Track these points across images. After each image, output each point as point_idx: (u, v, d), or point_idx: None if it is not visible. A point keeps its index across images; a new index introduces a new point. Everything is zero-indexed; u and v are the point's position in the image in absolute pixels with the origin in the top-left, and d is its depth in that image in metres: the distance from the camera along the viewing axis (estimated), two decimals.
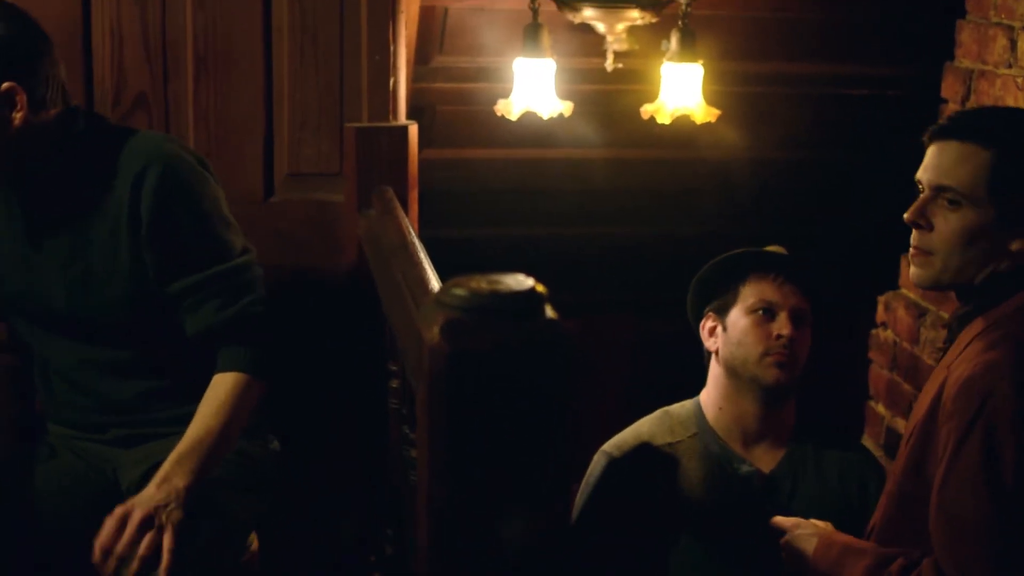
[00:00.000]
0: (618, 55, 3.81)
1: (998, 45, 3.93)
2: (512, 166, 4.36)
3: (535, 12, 3.75)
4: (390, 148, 3.60)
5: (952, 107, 4.23)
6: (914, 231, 2.64)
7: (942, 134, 2.63)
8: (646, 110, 3.78)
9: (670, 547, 3.23)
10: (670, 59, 3.74)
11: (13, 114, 2.82)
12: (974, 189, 2.56)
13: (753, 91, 4.32)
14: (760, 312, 3.23)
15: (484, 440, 1.64)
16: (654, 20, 3.75)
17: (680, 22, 3.72)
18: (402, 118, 3.74)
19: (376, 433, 3.37)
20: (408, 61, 3.87)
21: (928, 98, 4.32)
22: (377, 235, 3.22)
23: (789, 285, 3.25)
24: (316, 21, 3.65)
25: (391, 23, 3.66)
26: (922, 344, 4.33)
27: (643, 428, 3.35)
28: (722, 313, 3.30)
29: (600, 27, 3.75)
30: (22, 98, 2.81)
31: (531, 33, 3.74)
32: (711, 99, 3.79)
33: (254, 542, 3.24)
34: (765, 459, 3.30)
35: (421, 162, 3.79)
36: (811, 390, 3.38)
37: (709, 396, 3.35)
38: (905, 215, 2.63)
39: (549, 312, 1.65)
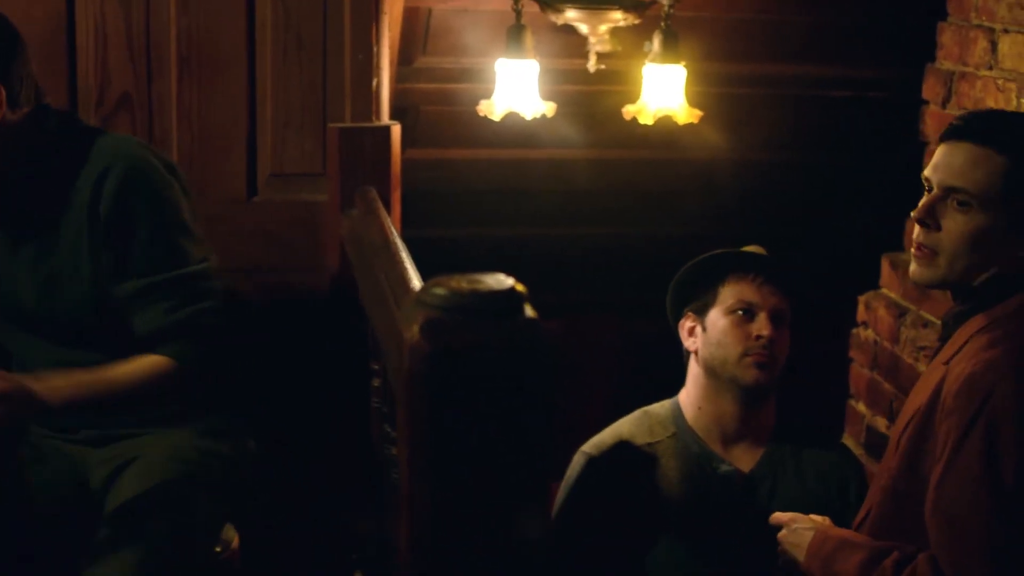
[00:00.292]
0: (601, 56, 3.81)
1: (979, 47, 3.95)
2: (495, 166, 4.37)
3: (518, 13, 3.76)
4: (373, 148, 3.60)
5: (934, 109, 4.25)
6: (919, 229, 2.62)
7: (955, 135, 2.61)
8: (628, 111, 3.78)
9: (649, 547, 3.23)
10: (652, 60, 3.75)
11: None
12: (987, 193, 2.55)
13: (735, 92, 4.33)
14: (739, 312, 3.23)
15: (464, 438, 1.65)
16: (637, 21, 3.76)
17: (663, 23, 3.73)
18: (385, 118, 3.75)
19: (359, 432, 3.37)
20: (391, 61, 3.88)
21: (909, 100, 4.34)
22: (360, 235, 3.23)
23: (768, 285, 3.25)
24: (299, 22, 3.66)
25: (374, 24, 3.67)
26: (902, 343, 4.34)
27: (622, 428, 3.35)
28: (701, 313, 3.31)
29: (583, 28, 3.76)
30: (1, 96, 2.81)
31: (514, 34, 3.75)
32: (693, 100, 3.80)
33: (235, 539, 3.25)
34: (744, 459, 3.30)
35: (404, 162, 3.80)
36: (793, 389, 3.39)
37: (688, 396, 3.35)
38: (913, 213, 2.62)
39: (529, 311, 1.66)
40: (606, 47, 3.79)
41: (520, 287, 1.67)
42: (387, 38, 3.73)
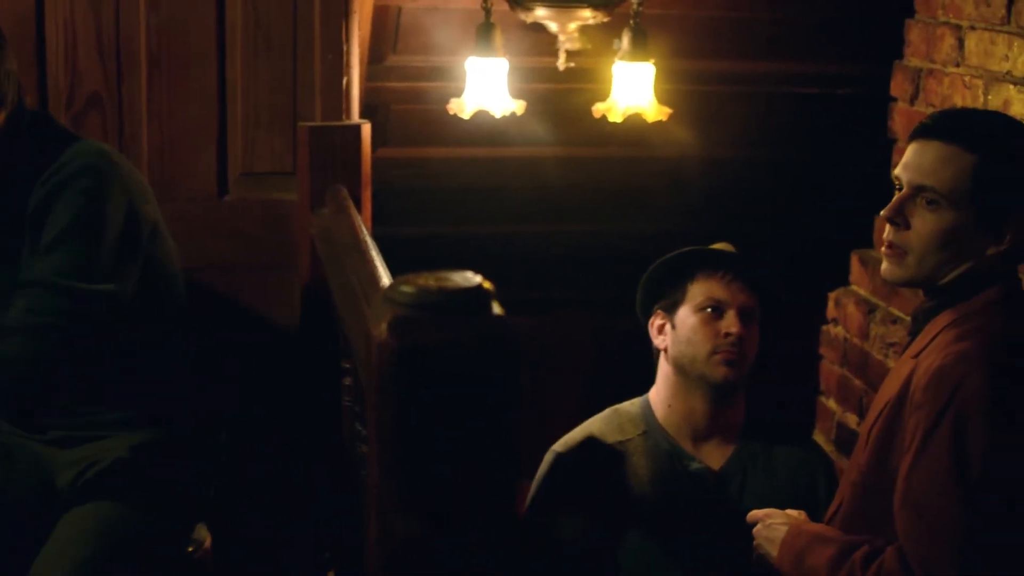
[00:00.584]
0: (570, 54, 3.83)
1: (946, 44, 3.97)
2: (466, 165, 4.37)
3: (487, 12, 3.76)
4: (343, 147, 3.60)
5: (902, 106, 4.27)
6: (889, 228, 2.63)
7: (925, 133, 2.62)
8: (598, 109, 3.80)
9: (620, 545, 3.24)
10: (622, 58, 3.77)
11: None
12: (955, 192, 2.56)
13: (704, 90, 4.35)
14: (708, 310, 3.24)
15: (432, 435, 1.65)
16: (606, 19, 3.77)
17: (632, 21, 3.74)
18: (355, 117, 3.76)
19: (330, 430, 3.38)
20: (361, 60, 3.88)
21: (878, 97, 4.36)
22: (330, 234, 3.23)
23: (737, 283, 3.26)
24: (269, 21, 3.66)
25: (344, 22, 3.67)
26: (872, 340, 4.36)
27: (592, 427, 3.36)
28: (670, 311, 3.31)
29: (552, 26, 3.77)
30: None
31: (483, 32, 3.76)
32: (663, 98, 3.81)
33: (207, 539, 3.25)
34: (714, 456, 3.31)
35: (375, 161, 3.80)
36: (763, 386, 3.40)
37: (658, 394, 3.36)
38: (882, 212, 2.63)
39: (496, 308, 1.67)
40: (575, 45, 3.80)
41: (487, 284, 1.68)
42: (357, 37, 3.73)
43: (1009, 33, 3.65)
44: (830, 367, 4.70)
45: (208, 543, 3.26)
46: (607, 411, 3.40)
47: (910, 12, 4.20)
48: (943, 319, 2.62)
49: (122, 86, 3.63)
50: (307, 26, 3.67)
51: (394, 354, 1.62)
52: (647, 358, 3.41)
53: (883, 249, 2.67)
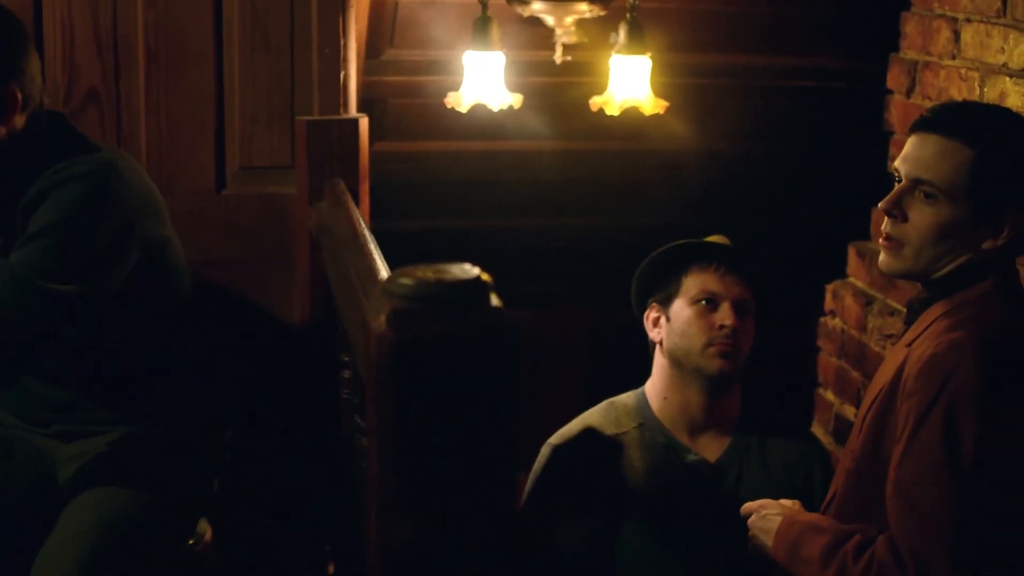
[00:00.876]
0: (567, 48, 3.82)
1: (942, 37, 3.98)
2: (463, 158, 4.38)
3: (484, 5, 3.76)
4: (341, 141, 3.61)
5: (898, 98, 4.27)
6: (887, 220, 2.64)
7: (924, 126, 2.62)
8: (595, 102, 3.80)
9: (617, 537, 3.24)
10: (618, 52, 3.77)
11: (15, 117, 2.80)
12: (953, 185, 2.56)
13: (701, 83, 4.35)
14: (703, 303, 3.25)
15: (431, 427, 1.65)
16: (602, 13, 3.77)
17: (628, 15, 3.74)
18: (353, 111, 3.76)
19: (330, 424, 3.38)
20: (359, 54, 3.89)
21: (874, 90, 4.36)
22: (328, 227, 3.24)
23: (731, 275, 3.27)
24: (266, 15, 3.66)
25: (341, 17, 3.68)
26: (869, 332, 4.37)
27: (589, 419, 3.36)
28: (665, 304, 3.32)
29: (549, 20, 3.77)
30: (19, 98, 2.79)
31: (480, 26, 3.76)
32: (659, 91, 3.81)
33: (208, 532, 3.26)
34: (710, 448, 3.31)
35: (373, 155, 3.81)
36: (761, 378, 3.41)
37: (654, 386, 3.37)
38: (880, 204, 2.63)
39: (495, 301, 1.67)
40: (572, 39, 3.80)
41: (485, 277, 1.68)
42: (354, 31, 3.74)
43: (1005, 25, 3.65)
44: (828, 359, 4.70)
45: (209, 536, 3.26)
46: (603, 404, 3.41)
47: (905, 5, 4.20)
48: (937, 308, 2.62)
49: (120, 81, 3.64)
50: (304, 21, 3.67)
51: (393, 346, 1.62)
52: (646, 351, 3.41)
53: (881, 241, 2.67)
